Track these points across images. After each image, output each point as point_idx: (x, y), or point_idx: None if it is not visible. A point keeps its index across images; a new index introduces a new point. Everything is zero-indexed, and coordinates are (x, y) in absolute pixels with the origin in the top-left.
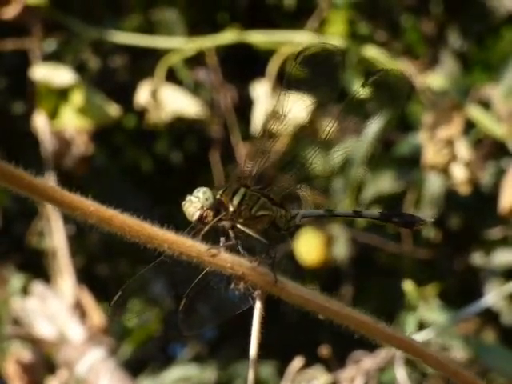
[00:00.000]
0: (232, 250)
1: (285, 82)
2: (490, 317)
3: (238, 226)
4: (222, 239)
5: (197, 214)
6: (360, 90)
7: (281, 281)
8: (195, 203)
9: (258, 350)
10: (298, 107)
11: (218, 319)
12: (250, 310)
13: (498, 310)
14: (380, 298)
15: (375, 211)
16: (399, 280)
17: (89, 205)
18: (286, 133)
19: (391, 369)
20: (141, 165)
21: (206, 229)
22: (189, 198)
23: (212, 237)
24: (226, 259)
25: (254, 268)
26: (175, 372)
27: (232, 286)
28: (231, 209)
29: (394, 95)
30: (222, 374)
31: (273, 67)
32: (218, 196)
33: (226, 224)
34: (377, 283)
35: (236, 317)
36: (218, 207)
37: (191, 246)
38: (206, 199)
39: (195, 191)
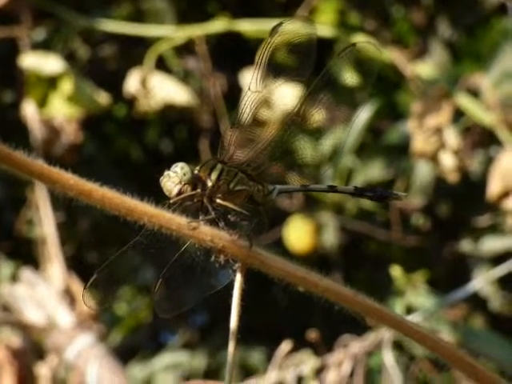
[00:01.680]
0: (211, 224)
1: (275, 70)
2: (477, 302)
3: (217, 200)
4: (201, 213)
5: (175, 189)
6: (334, 63)
7: (259, 252)
8: (173, 178)
9: (239, 324)
10: (286, 95)
11: (195, 299)
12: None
13: (486, 296)
14: (369, 285)
15: (350, 187)
16: (388, 267)
17: (68, 178)
18: (275, 121)
19: (379, 353)
20: (131, 153)
21: (182, 197)
22: (167, 173)
23: (191, 212)
24: (206, 232)
25: (234, 241)
26: (165, 359)
27: (212, 259)
28: (209, 184)
29: (367, 70)
30: (212, 361)
31: (259, 54)
32: (195, 171)
33: (205, 199)
34: (366, 271)
35: (225, 303)
36: (195, 182)
37: (171, 219)
38: (184, 174)
39: (173, 166)
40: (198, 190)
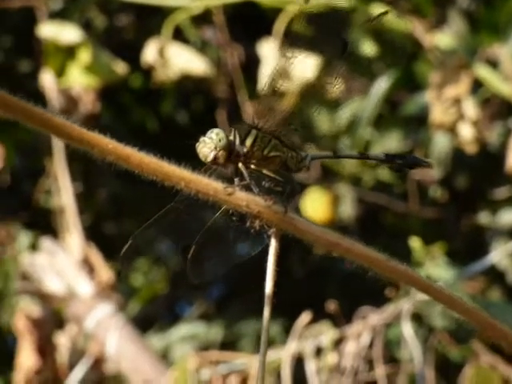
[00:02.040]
0: (247, 189)
1: (288, 41)
2: (495, 275)
3: (252, 166)
4: (236, 179)
5: (211, 155)
6: (361, 36)
7: (293, 217)
8: (209, 144)
9: (274, 289)
10: (304, 66)
11: (227, 266)
12: (257, 264)
13: (504, 269)
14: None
15: (380, 153)
16: (405, 239)
17: (107, 142)
18: (293, 92)
19: (398, 324)
20: (147, 124)
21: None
22: (202, 139)
23: (226, 178)
24: (241, 198)
25: (269, 206)
26: (182, 329)
27: (247, 224)
28: (244, 150)
29: (394, 47)
30: (229, 332)
31: (280, 26)
32: (231, 137)
33: (240, 165)
34: (383, 242)
35: (243, 275)
36: (231, 148)
37: (208, 185)
38: (220, 140)
39: (208, 132)
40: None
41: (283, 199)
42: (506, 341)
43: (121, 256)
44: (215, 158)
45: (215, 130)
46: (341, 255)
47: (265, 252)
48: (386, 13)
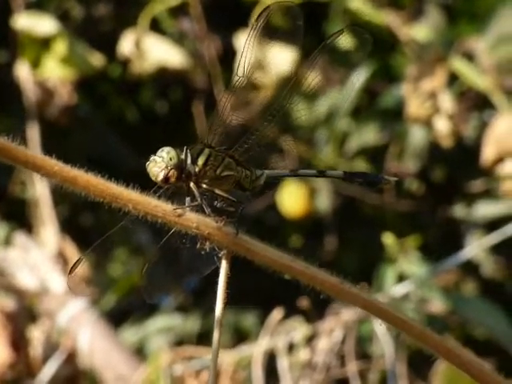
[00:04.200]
0: (197, 210)
1: (270, 33)
2: (470, 268)
3: (204, 185)
4: (188, 199)
5: (161, 175)
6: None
7: (245, 239)
8: (159, 163)
9: (225, 307)
10: (281, 57)
11: (181, 284)
12: (234, 257)
13: (478, 262)
14: (362, 249)
15: (339, 171)
16: (381, 231)
17: (53, 164)
18: (269, 83)
19: (370, 321)
20: (126, 115)
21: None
22: (153, 158)
23: (177, 198)
24: (191, 219)
25: (220, 228)
26: (159, 321)
27: (198, 246)
28: (196, 169)
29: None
30: (206, 324)
31: (255, 17)
32: (182, 156)
33: (191, 184)
34: (359, 235)
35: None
36: (182, 167)
37: (156, 206)
38: (170, 159)
39: (159, 151)
40: (184, 176)
41: (235, 220)
42: (449, 357)
43: (68, 275)
44: (166, 178)
45: (166, 149)
46: (294, 277)
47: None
48: (341, 31)
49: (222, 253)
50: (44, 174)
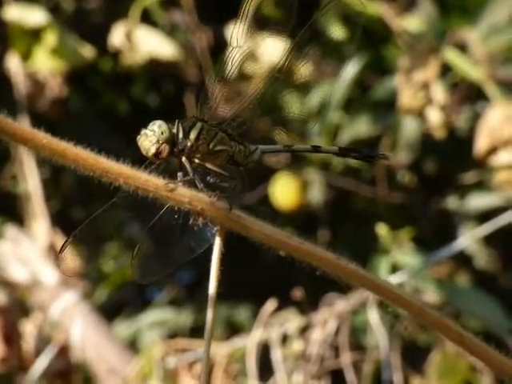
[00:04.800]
0: (190, 185)
1: (261, 24)
2: (463, 260)
3: (196, 160)
4: (180, 174)
5: (152, 149)
6: (319, 17)
7: (239, 215)
8: (150, 137)
9: (218, 288)
10: (273, 49)
11: (175, 264)
12: (226, 248)
13: (471, 254)
14: (355, 241)
15: (334, 147)
16: (374, 224)
17: (41, 137)
18: (261, 75)
19: (364, 311)
20: (117, 107)
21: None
22: (144, 131)
23: (169, 172)
24: (184, 194)
25: (213, 203)
26: (151, 315)
27: (190, 222)
28: (188, 143)
29: (353, 21)
30: (199, 318)
31: (245, 7)
32: (174, 130)
33: (183, 159)
34: (352, 227)
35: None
36: (174, 141)
37: (147, 181)
38: (162, 133)
39: (150, 125)
40: (176, 150)
41: (228, 195)
42: (448, 334)
43: (59, 253)
44: (157, 152)
45: (157, 122)
46: (289, 254)
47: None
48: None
49: (215, 229)
50: (32, 146)
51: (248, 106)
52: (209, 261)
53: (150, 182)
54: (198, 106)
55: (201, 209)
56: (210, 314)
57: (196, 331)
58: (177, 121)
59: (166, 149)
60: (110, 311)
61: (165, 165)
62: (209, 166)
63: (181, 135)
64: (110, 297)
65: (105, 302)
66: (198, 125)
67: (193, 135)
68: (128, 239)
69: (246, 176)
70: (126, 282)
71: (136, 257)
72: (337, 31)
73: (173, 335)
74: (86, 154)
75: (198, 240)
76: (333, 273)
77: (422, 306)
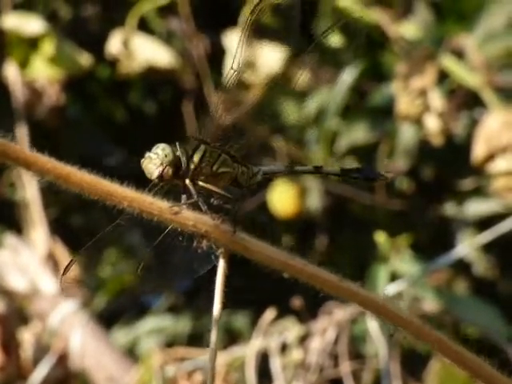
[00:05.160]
0: (194, 208)
1: (246, 30)
2: (461, 267)
3: (200, 183)
4: (184, 197)
5: (156, 172)
6: (326, 34)
7: (242, 237)
8: (154, 160)
9: (222, 307)
10: (270, 57)
11: (178, 282)
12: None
13: (470, 261)
14: (353, 248)
15: (336, 167)
16: (372, 231)
17: (45, 162)
18: (259, 83)
19: (363, 320)
20: (115, 115)
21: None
22: (148, 154)
23: (173, 195)
24: (188, 217)
25: (217, 226)
26: (149, 323)
27: (194, 244)
28: (192, 166)
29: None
30: (197, 325)
31: (245, 16)
32: (177, 153)
33: (187, 182)
34: (350, 234)
35: (211, 268)
36: (177, 164)
37: (152, 204)
38: (166, 155)
39: (154, 148)
40: (180, 173)
41: (232, 218)
42: (448, 353)
43: (61, 275)
44: (161, 175)
45: (161, 145)
46: (292, 276)
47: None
48: (331, 28)
49: (219, 251)
50: (36, 171)
51: (246, 115)
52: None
53: (155, 205)
54: (202, 127)
55: (205, 231)
56: (213, 335)
57: (194, 338)
58: (180, 144)
59: (169, 171)
60: (108, 318)
61: (168, 187)
62: (212, 188)
63: (184, 158)
64: (108, 304)
65: (103, 309)
66: (202, 147)
67: (196, 158)
68: (127, 246)
69: (247, 197)
70: (124, 289)
71: (141, 273)
72: (335, 38)
73: (171, 342)
74: (90, 178)
75: (200, 261)
76: (336, 295)
77: (422, 327)
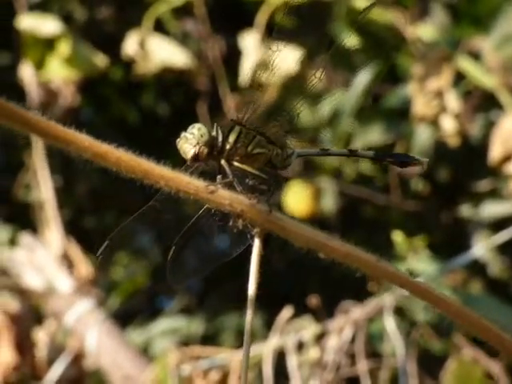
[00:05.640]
0: (229, 187)
1: (275, 33)
2: (477, 268)
3: (235, 163)
4: (219, 177)
5: (192, 152)
6: (349, 35)
7: (279, 217)
8: (190, 140)
9: (257, 290)
10: (287, 58)
11: (207, 268)
12: (238, 257)
13: (486, 262)
14: (367, 249)
15: (370, 151)
16: (387, 232)
17: (83, 139)
18: (275, 84)
19: (380, 319)
20: (128, 117)
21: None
22: (183, 134)
23: (209, 175)
24: (224, 196)
25: (253, 205)
26: (163, 324)
27: (230, 223)
28: (227, 146)
29: (380, 42)
30: (210, 326)
31: (261, 18)
32: (213, 133)
33: (223, 162)
34: (364, 235)
35: (223, 269)
36: (213, 144)
37: (189, 183)
38: (201, 135)
39: (190, 127)
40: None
41: (268, 198)
42: (487, 335)
43: (97, 257)
44: (197, 155)
45: (197, 125)
46: (328, 256)
47: (247, 246)
48: (373, 5)
49: (255, 231)
50: (74, 148)
51: (261, 115)
52: (219, 269)
53: (191, 184)
54: (238, 109)
55: (241, 210)
56: (249, 317)
57: (207, 339)
58: (215, 124)
59: (204, 151)
60: (121, 320)
61: (203, 167)
62: (247, 168)
63: (220, 138)
64: (121, 305)
65: (116, 311)
66: (237, 128)
67: (232, 138)
68: (139, 248)
69: (283, 179)
70: (138, 291)
71: (171, 260)
72: (350, 40)
73: (184, 343)
74: (127, 157)
75: (233, 242)
76: (373, 275)
77: (461, 309)
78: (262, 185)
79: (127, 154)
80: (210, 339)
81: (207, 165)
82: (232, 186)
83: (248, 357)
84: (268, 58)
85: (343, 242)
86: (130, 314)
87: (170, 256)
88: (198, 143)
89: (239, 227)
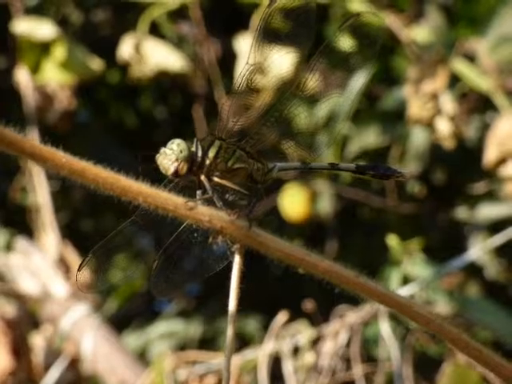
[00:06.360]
0: (209, 204)
1: (258, 33)
2: (474, 270)
3: (215, 178)
4: (199, 192)
5: (172, 168)
6: (337, 35)
7: (258, 233)
8: (169, 156)
9: (238, 304)
10: (281, 61)
11: (192, 280)
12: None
13: (482, 264)
14: (364, 252)
15: (351, 164)
16: (383, 234)
17: (61, 157)
18: (269, 87)
19: (375, 323)
20: (125, 120)
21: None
22: (163, 150)
23: (189, 190)
24: (203, 212)
25: (233, 221)
26: (161, 327)
27: (210, 240)
28: (207, 161)
29: (370, 40)
30: (208, 329)
31: (256, 21)
32: (192, 148)
33: (202, 177)
34: (361, 238)
35: (222, 271)
36: (192, 160)
37: (167, 199)
38: (181, 151)
39: (169, 143)
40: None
41: (247, 213)
42: (467, 351)
43: (77, 272)
44: (176, 171)
45: (176, 141)
46: (308, 271)
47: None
48: (358, 15)
49: (234, 247)
50: (52, 166)
51: (258, 120)
52: (217, 272)
53: (170, 200)
54: (217, 123)
55: (220, 227)
56: (230, 331)
57: (205, 343)
58: (195, 139)
59: (184, 167)
60: (119, 323)
61: (183, 182)
62: (227, 183)
63: (199, 153)
64: (119, 309)
65: (114, 314)
66: (217, 143)
67: (211, 153)
68: (137, 250)
69: (263, 194)
70: (135, 294)
71: (154, 274)
72: (346, 43)
73: (182, 346)
74: (105, 174)
75: (215, 257)
76: (352, 290)
77: (442, 324)
78: (243, 200)
79: (105, 171)
80: (207, 343)
81: (187, 180)
82: (212, 202)
83: (229, 371)
84: (262, 61)
85: (322, 258)
86: (127, 317)
87: (153, 270)
88: (177, 159)
89: (219, 243)
